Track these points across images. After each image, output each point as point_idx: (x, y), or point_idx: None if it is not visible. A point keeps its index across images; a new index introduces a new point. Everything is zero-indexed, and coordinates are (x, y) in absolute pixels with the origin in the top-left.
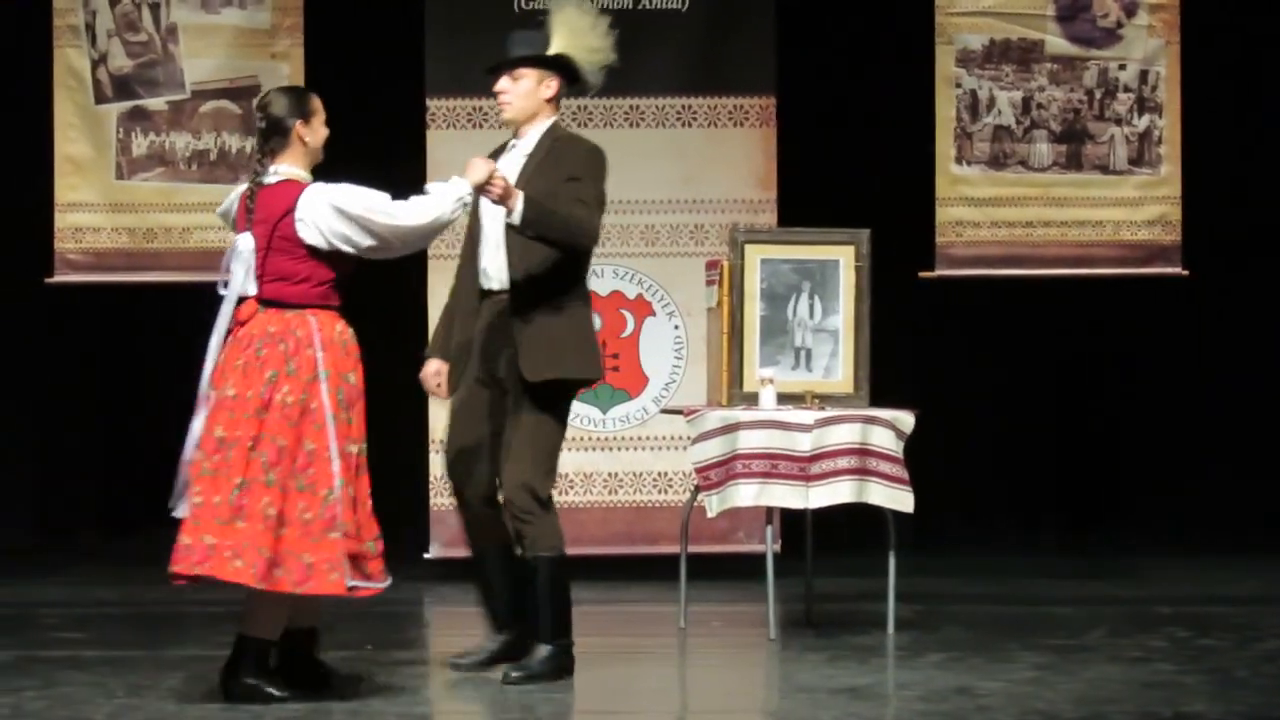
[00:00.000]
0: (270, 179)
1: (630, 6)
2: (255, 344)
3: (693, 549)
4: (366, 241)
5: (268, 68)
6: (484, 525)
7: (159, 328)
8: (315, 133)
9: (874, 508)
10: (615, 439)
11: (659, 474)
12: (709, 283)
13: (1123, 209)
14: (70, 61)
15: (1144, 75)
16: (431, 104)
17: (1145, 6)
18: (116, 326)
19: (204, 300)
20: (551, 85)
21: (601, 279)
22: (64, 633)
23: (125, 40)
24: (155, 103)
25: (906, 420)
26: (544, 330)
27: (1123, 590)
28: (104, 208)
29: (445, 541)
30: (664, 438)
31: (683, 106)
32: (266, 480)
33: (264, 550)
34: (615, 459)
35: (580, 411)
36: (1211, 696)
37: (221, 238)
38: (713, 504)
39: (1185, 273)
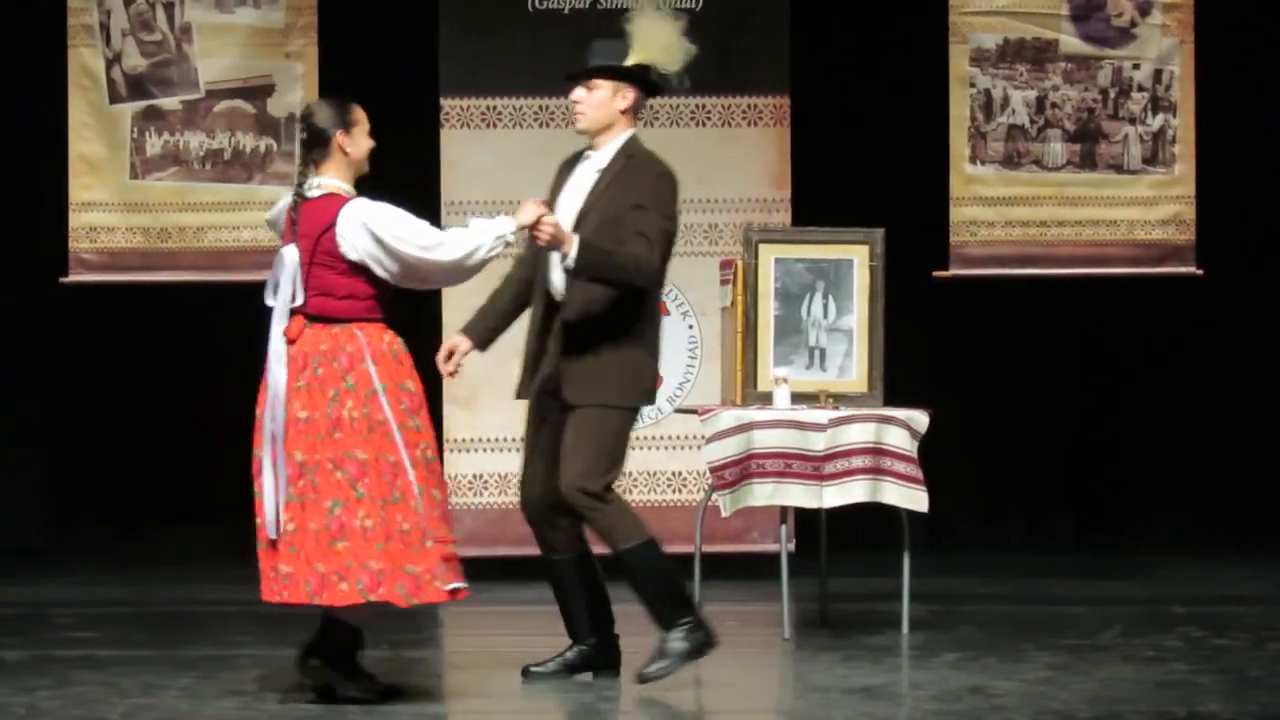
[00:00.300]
0: (313, 192)
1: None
2: (311, 364)
3: (707, 548)
4: (395, 267)
5: (282, 67)
6: (553, 535)
7: (173, 327)
8: (357, 143)
9: (888, 507)
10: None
11: (673, 473)
12: (723, 282)
13: (1137, 208)
14: (85, 61)
15: (1158, 74)
16: (445, 103)
17: (1159, 6)
18: (130, 326)
19: (218, 300)
20: (628, 96)
21: None
22: (77, 632)
23: (139, 40)
24: (169, 102)
25: (921, 420)
26: (591, 353)
27: (1137, 590)
28: (118, 207)
29: (461, 540)
30: (678, 437)
31: (696, 106)
32: (357, 495)
33: (370, 564)
34: (630, 458)
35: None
36: (1225, 696)
37: (235, 237)
38: (727, 503)
39: (1199, 272)
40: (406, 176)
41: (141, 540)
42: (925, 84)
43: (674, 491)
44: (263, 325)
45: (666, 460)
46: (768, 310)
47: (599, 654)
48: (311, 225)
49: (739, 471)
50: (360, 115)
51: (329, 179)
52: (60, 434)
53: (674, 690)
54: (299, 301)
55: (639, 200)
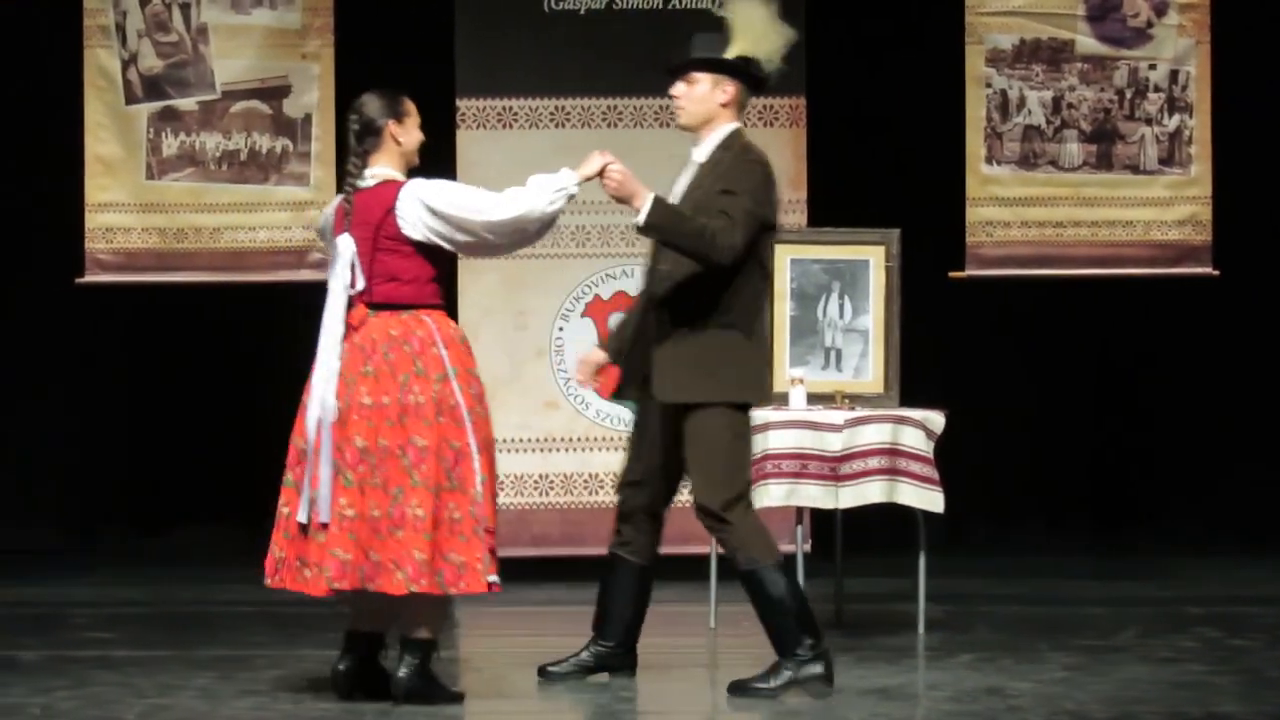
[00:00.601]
0: (366, 182)
1: (660, 6)
2: (381, 349)
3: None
4: (462, 238)
5: (298, 68)
6: (635, 535)
7: (191, 328)
8: (409, 133)
9: (904, 508)
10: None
11: None
12: None
13: (1153, 209)
14: (100, 62)
15: (1174, 75)
16: (461, 104)
17: (1175, 6)
18: (146, 327)
19: (235, 301)
20: (728, 90)
21: (631, 279)
22: (94, 632)
23: (155, 40)
24: (185, 103)
25: (937, 420)
26: (682, 349)
27: (1153, 591)
28: (134, 208)
29: None
30: None
31: None
32: (413, 482)
33: (419, 553)
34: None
35: (610, 412)
36: (1242, 697)
37: (251, 237)
38: None
39: (1215, 273)
40: (422, 177)
41: (159, 540)
42: (941, 84)
43: (690, 492)
44: (278, 324)
45: None
46: (784, 311)
47: (618, 656)
48: (370, 213)
49: (755, 472)
50: (411, 107)
51: (381, 168)
52: (78, 434)
53: (689, 691)
54: (359, 288)
55: (728, 185)
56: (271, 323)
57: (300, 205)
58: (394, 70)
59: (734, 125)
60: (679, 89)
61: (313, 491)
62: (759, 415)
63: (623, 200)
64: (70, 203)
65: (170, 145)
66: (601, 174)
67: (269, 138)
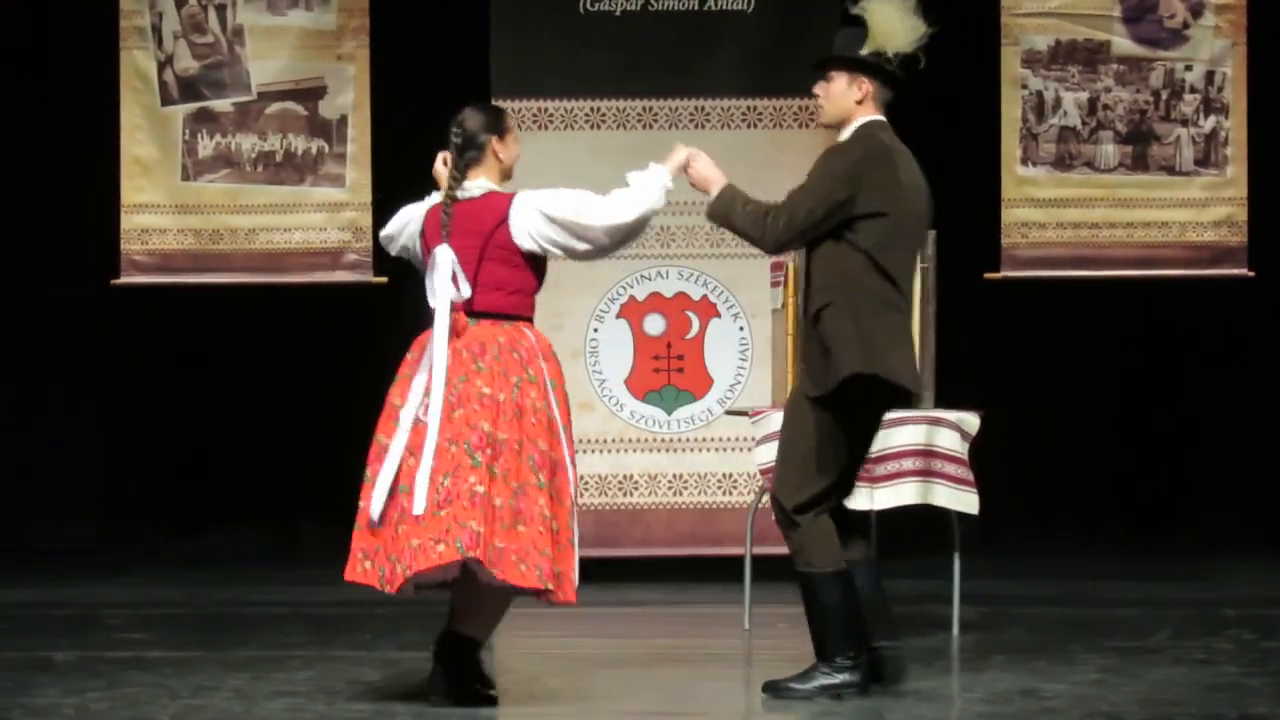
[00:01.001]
0: (467, 193)
1: (695, 8)
2: (491, 350)
3: (758, 550)
4: (578, 245)
5: (334, 69)
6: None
7: (224, 329)
8: (509, 149)
9: (939, 509)
10: (680, 440)
11: (724, 475)
12: (774, 284)
13: (1189, 210)
14: (137, 63)
15: (1210, 76)
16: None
17: (1211, 7)
18: (182, 328)
19: (271, 303)
20: (863, 86)
21: (666, 280)
22: (128, 633)
23: (191, 42)
24: (221, 104)
25: (971, 422)
26: (808, 343)
27: (1187, 592)
28: (170, 209)
29: None
30: (729, 439)
31: (748, 108)
32: (538, 483)
33: (546, 552)
34: (680, 460)
35: (644, 414)
36: (1276, 699)
37: (286, 239)
38: None
39: (1251, 274)
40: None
41: (194, 541)
42: (977, 85)
43: (724, 493)
44: (314, 326)
45: (717, 462)
46: None
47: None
48: (478, 222)
49: None
50: (512, 123)
51: (483, 180)
52: (114, 436)
53: (724, 692)
54: (466, 295)
55: (808, 174)
56: (307, 324)
57: (336, 207)
58: (429, 71)
59: (867, 119)
60: (820, 87)
61: (409, 484)
62: None
63: (702, 188)
64: (106, 204)
65: (206, 146)
66: (687, 163)
67: (304, 139)
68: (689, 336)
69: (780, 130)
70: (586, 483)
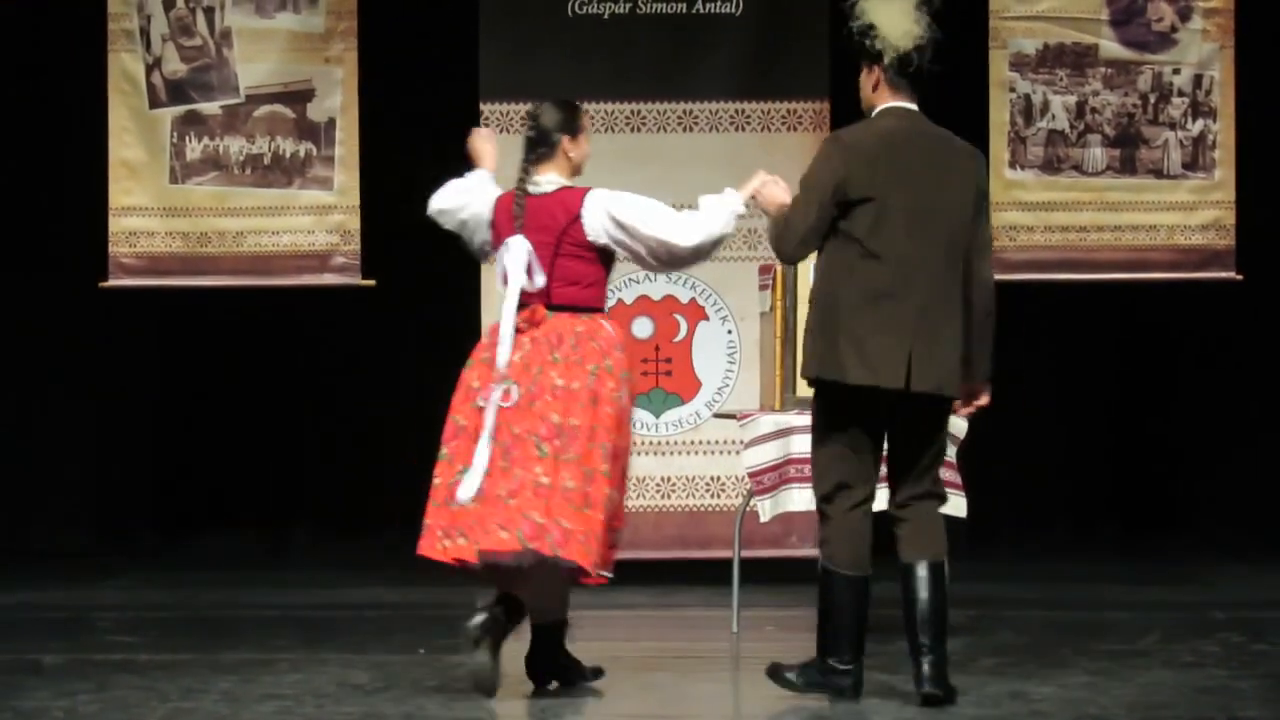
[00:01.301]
0: (540, 187)
1: (684, 11)
2: (568, 341)
3: (746, 553)
4: (641, 250)
5: (322, 72)
6: (901, 537)
7: (213, 331)
8: (580, 148)
9: None
10: (668, 443)
11: (712, 478)
12: (762, 287)
13: (1177, 213)
14: (125, 66)
15: (1198, 79)
16: (485, 108)
17: (1199, 11)
18: (171, 330)
19: (260, 305)
20: (873, 74)
21: (655, 283)
22: (118, 636)
23: (179, 45)
24: (209, 107)
25: (960, 425)
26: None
27: (1177, 595)
28: (158, 212)
29: None
30: (717, 442)
31: (736, 111)
32: (604, 471)
33: (600, 536)
34: (668, 463)
35: (642, 420)
36: (1265, 702)
37: (274, 241)
38: (766, 508)
39: (1239, 277)
40: (447, 180)
41: (184, 544)
42: (965, 88)
43: (712, 496)
44: (302, 328)
45: (705, 465)
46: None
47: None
48: (551, 217)
49: (778, 477)
50: (586, 122)
51: (554, 176)
52: (103, 438)
53: (712, 696)
54: (539, 286)
55: None
56: (296, 327)
57: (324, 209)
58: (418, 74)
59: (884, 106)
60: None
61: (467, 468)
62: (781, 420)
63: (766, 213)
64: (94, 207)
65: (194, 149)
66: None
67: (292, 142)
68: (677, 339)
69: (768, 134)
70: None
